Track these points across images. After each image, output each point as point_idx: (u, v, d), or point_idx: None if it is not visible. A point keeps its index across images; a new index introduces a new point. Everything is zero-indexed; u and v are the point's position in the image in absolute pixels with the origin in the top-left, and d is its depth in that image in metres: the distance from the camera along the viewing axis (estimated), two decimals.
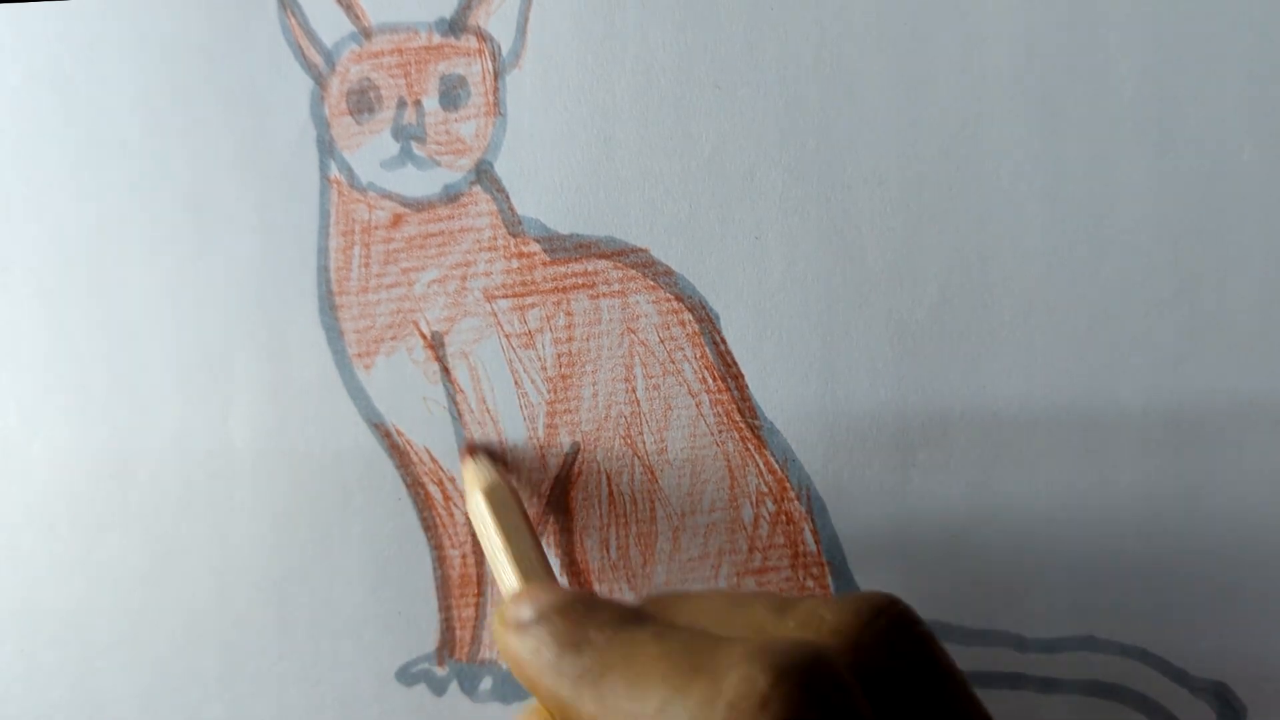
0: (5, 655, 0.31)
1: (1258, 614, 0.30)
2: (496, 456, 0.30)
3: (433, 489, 0.30)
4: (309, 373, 0.30)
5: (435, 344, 0.30)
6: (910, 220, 0.30)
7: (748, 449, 0.30)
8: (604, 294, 0.30)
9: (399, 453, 0.30)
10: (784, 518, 0.30)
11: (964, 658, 0.30)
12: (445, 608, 0.31)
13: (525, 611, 0.22)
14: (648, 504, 0.30)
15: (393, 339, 0.30)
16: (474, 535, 0.30)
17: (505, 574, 0.26)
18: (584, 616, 0.22)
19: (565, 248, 0.30)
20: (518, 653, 0.22)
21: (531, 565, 0.26)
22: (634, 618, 0.22)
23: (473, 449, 0.30)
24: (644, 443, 0.30)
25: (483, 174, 0.30)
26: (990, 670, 0.30)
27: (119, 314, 0.30)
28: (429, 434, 0.30)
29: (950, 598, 0.30)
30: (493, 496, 0.28)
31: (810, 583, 0.30)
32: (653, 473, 0.30)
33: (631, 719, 0.19)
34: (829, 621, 0.20)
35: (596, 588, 0.31)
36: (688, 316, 0.30)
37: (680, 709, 0.18)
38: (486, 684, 0.31)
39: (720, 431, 0.30)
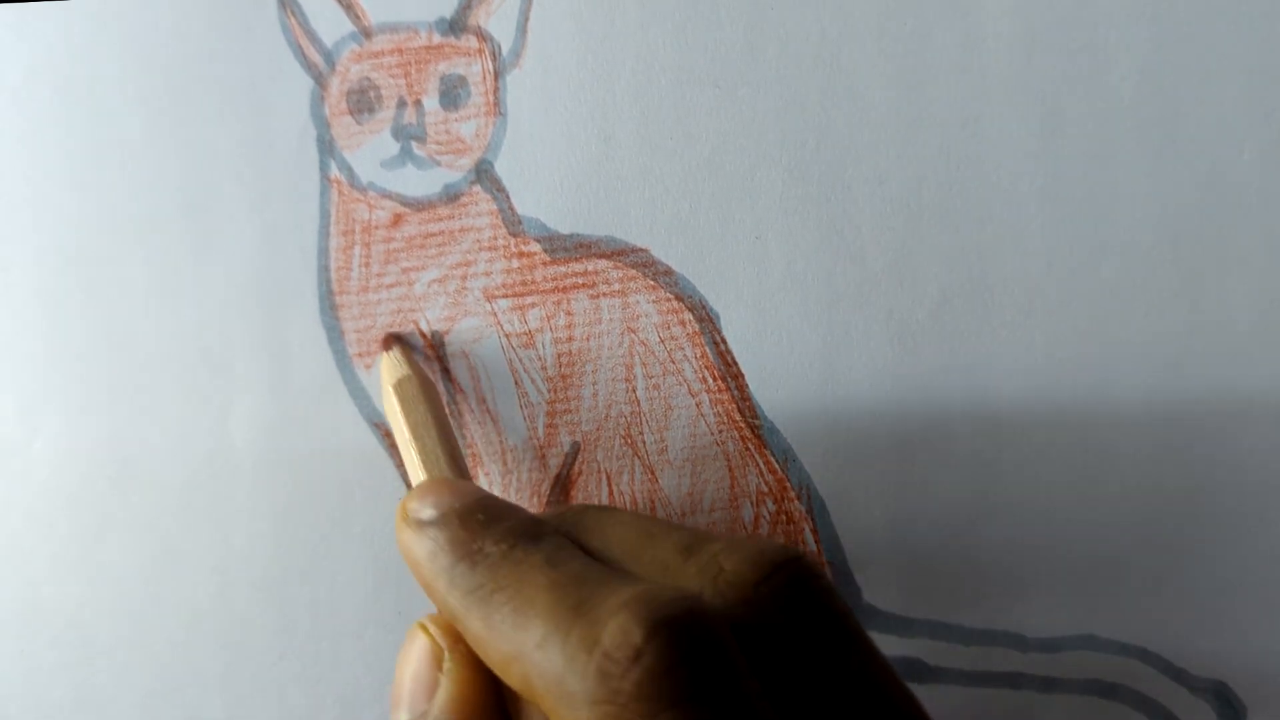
0: (5, 655, 0.31)
1: (1258, 614, 0.30)
2: (416, 348, 0.30)
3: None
4: (309, 372, 0.30)
5: (435, 344, 0.30)
6: (910, 220, 0.30)
7: (748, 449, 0.30)
8: (604, 294, 0.30)
9: (400, 453, 0.30)
10: (784, 517, 0.30)
11: (964, 658, 0.30)
12: None
13: (425, 509, 0.22)
14: (648, 504, 0.30)
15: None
16: None
17: (413, 469, 0.26)
18: (482, 526, 0.21)
19: (565, 247, 0.30)
20: (414, 552, 0.22)
21: (436, 460, 0.25)
22: (533, 533, 0.21)
23: (388, 342, 0.30)
24: (644, 442, 0.30)
25: (483, 174, 0.30)
26: (990, 670, 0.30)
27: (119, 314, 0.30)
28: None
29: (950, 598, 0.30)
30: (401, 390, 0.27)
31: None
32: (653, 472, 0.30)
33: (513, 645, 0.19)
34: (726, 571, 0.20)
35: None
36: (688, 316, 0.30)
37: (558, 648, 0.18)
38: None
39: (720, 431, 0.30)
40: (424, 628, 0.22)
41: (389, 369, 0.28)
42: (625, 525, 0.23)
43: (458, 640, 0.22)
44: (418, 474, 0.25)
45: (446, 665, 0.22)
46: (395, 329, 0.30)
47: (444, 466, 0.25)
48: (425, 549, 0.22)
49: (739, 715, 0.17)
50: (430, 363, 0.30)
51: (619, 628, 0.18)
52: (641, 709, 0.17)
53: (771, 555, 0.20)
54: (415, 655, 0.22)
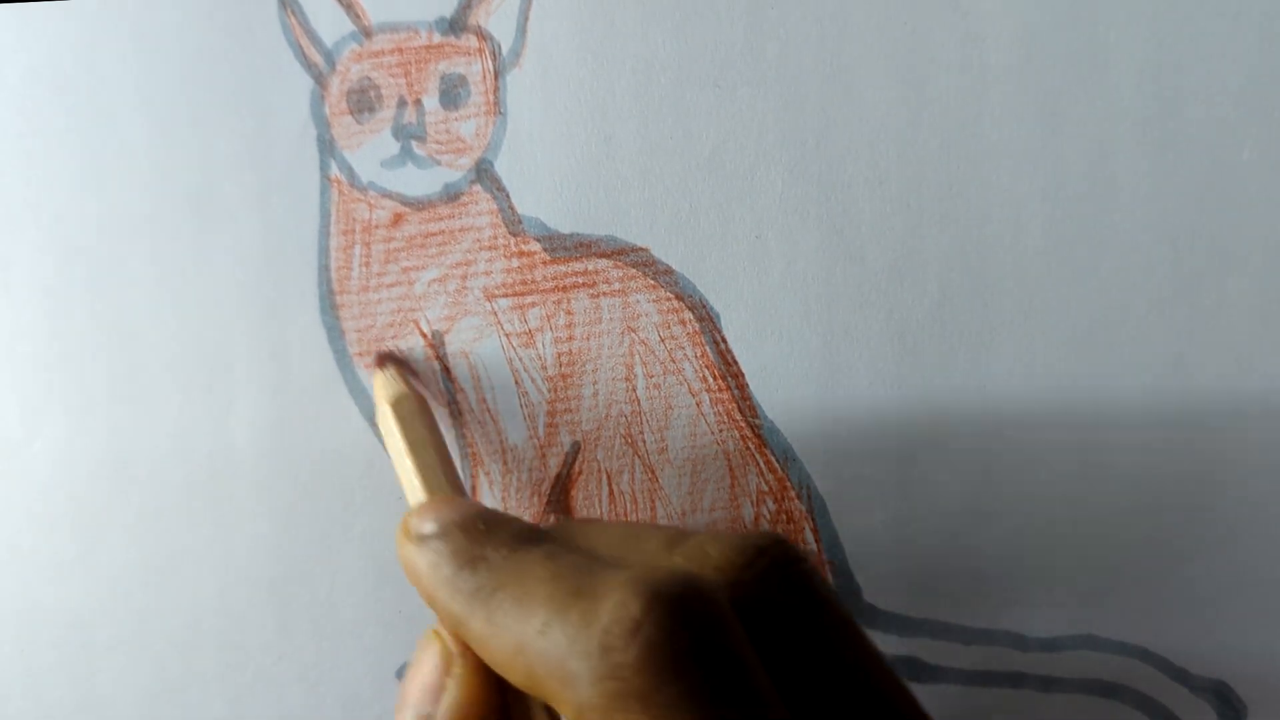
0: (5, 655, 0.31)
1: (1258, 613, 0.30)
2: (408, 368, 0.30)
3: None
4: (310, 372, 0.30)
5: (436, 343, 0.30)
6: (910, 220, 0.30)
7: (748, 448, 0.30)
8: (604, 293, 0.30)
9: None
10: (784, 517, 0.30)
11: (964, 657, 0.30)
12: None
13: (426, 524, 0.23)
14: (648, 503, 0.30)
15: (393, 338, 0.30)
16: None
17: (410, 487, 0.26)
18: (483, 534, 0.22)
19: (565, 247, 0.30)
20: (416, 565, 0.22)
21: (436, 478, 0.26)
22: (531, 537, 0.22)
23: (382, 360, 0.30)
24: (644, 442, 0.30)
25: (483, 173, 0.30)
26: (991, 669, 0.30)
27: (119, 314, 0.30)
28: None
29: (950, 597, 0.30)
30: (399, 408, 0.27)
31: None
32: (653, 472, 0.30)
33: (516, 637, 0.19)
34: (713, 558, 0.20)
35: None
36: (688, 315, 0.30)
37: (560, 630, 0.18)
38: None
39: (721, 431, 0.30)
40: (437, 634, 0.23)
41: (385, 387, 0.28)
42: (610, 530, 0.23)
43: (467, 648, 0.22)
44: (416, 491, 0.26)
45: (454, 670, 0.22)
46: (394, 330, 0.30)
47: (443, 484, 0.26)
48: (427, 561, 0.22)
49: (740, 683, 0.18)
50: (430, 365, 0.30)
51: (617, 603, 0.18)
52: (644, 681, 0.17)
53: (755, 540, 0.21)
54: (427, 660, 0.22)
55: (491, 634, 0.20)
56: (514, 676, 0.20)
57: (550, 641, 0.19)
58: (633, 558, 0.21)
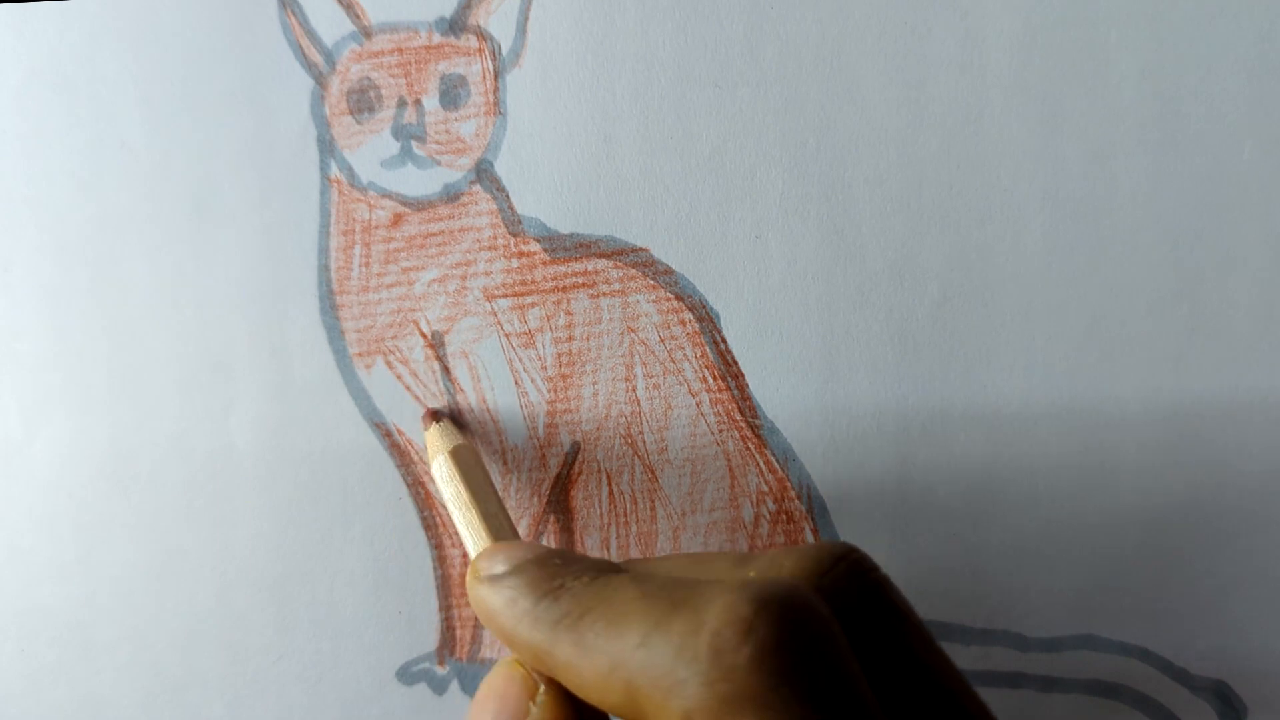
0: (6, 655, 0.31)
1: (1258, 613, 0.30)
2: (459, 422, 0.30)
3: (434, 489, 0.30)
4: (310, 372, 0.30)
5: (435, 343, 0.30)
6: (910, 220, 0.30)
7: (748, 448, 0.30)
8: (604, 293, 0.30)
9: (399, 452, 0.30)
10: (784, 517, 0.30)
11: (965, 657, 0.30)
12: (446, 607, 0.31)
13: (499, 565, 0.23)
14: (648, 503, 0.30)
15: (393, 338, 0.30)
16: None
17: (475, 532, 0.26)
18: (560, 568, 0.22)
19: (565, 247, 0.30)
20: (491, 605, 0.22)
21: (499, 524, 0.26)
22: (609, 567, 0.22)
23: (435, 415, 0.30)
24: (644, 442, 0.30)
25: (483, 173, 0.30)
26: (991, 669, 0.30)
27: (120, 314, 0.30)
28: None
29: (950, 598, 0.30)
30: (458, 457, 0.28)
31: None
32: (653, 472, 0.30)
33: (611, 658, 0.19)
34: (788, 568, 0.21)
35: None
36: (688, 316, 0.30)
37: (663, 641, 0.18)
38: None
39: (721, 431, 0.30)
40: (519, 663, 0.22)
41: (441, 437, 0.29)
42: (674, 560, 0.23)
43: (550, 680, 0.22)
44: (480, 537, 0.26)
45: (540, 698, 0.22)
46: (394, 330, 0.30)
47: (506, 530, 0.26)
48: (504, 598, 0.22)
49: (850, 689, 0.18)
50: (429, 364, 0.30)
51: (725, 606, 0.18)
52: (758, 681, 0.17)
53: (830, 549, 0.21)
54: (505, 682, 0.22)
55: (583, 657, 0.20)
56: (610, 697, 0.19)
57: (653, 653, 0.18)
58: (706, 579, 0.21)
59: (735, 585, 0.18)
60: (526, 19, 0.29)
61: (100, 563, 0.31)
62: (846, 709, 0.17)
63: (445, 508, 0.28)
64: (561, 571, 0.22)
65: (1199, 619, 0.30)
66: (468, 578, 0.23)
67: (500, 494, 0.28)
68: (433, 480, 0.29)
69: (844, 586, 0.20)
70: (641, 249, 0.30)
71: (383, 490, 0.30)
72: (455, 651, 0.31)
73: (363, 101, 0.30)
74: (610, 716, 0.21)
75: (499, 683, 0.22)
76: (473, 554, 0.26)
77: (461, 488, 0.27)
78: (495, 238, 0.30)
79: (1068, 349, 0.30)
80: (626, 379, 0.30)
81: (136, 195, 0.30)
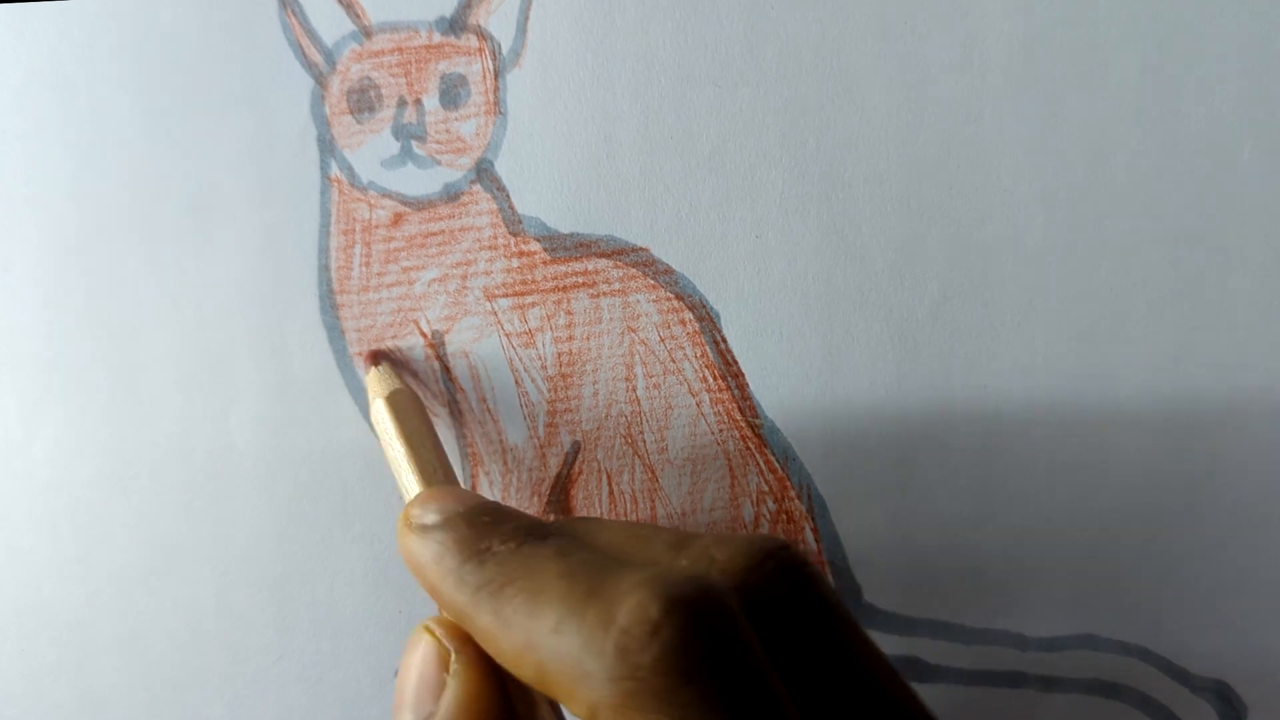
0: (6, 655, 0.31)
1: (1258, 613, 0.30)
2: (400, 365, 0.30)
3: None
4: (310, 372, 0.30)
5: (436, 343, 0.30)
6: (910, 219, 0.30)
7: (748, 448, 0.30)
8: (604, 293, 0.30)
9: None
10: (785, 517, 0.30)
11: (965, 657, 0.30)
12: None
13: (429, 515, 0.22)
14: (648, 503, 0.30)
15: (393, 338, 0.30)
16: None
17: (408, 480, 0.26)
18: (488, 526, 0.22)
19: (566, 247, 0.30)
20: (419, 556, 0.22)
21: (433, 471, 0.26)
22: (538, 532, 0.22)
23: (375, 358, 0.30)
24: (644, 442, 0.30)
25: (483, 173, 0.30)
26: (991, 669, 0.30)
27: (119, 314, 0.30)
28: None
29: (950, 597, 0.30)
30: (394, 402, 0.27)
31: None
32: (653, 472, 0.30)
33: (526, 634, 0.19)
34: (719, 561, 0.20)
35: None
36: (688, 315, 0.30)
37: (575, 630, 0.18)
38: None
39: (721, 431, 0.30)
40: (429, 629, 0.22)
41: (379, 382, 0.28)
42: (613, 529, 0.23)
43: (465, 641, 0.22)
44: (413, 484, 0.26)
45: (454, 666, 0.22)
46: (394, 330, 0.30)
47: (440, 477, 0.26)
48: (431, 552, 0.22)
49: (755, 687, 0.18)
50: (430, 364, 0.30)
51: (637, 604, 0.18)
52: (661, 682, 0.17)
53: (761, 544, 0.21)
54: (420, 657, 0.22)
55: (500, 629, 0.20)
56: (522, 673, 0.20)
57: (564, 640, 0.18)
58: (638, 558, 0.21)
59: (648, 579, 0.19)
60: (526, 18, 0.29)
61: (100, 562, 0.31)
62: (754, 708, 0.17)
63: (384, 454, 0.27)
64: (490, 532, 0.21)
65: (1199, 619, 0.30)
66: (398, 524, 0.23)
67: (440, 441, 0.27)
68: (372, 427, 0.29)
69: (773, 581, 0.20)
70: (642, 249, 0.30)
71: (383, 490, 0.30)
72: None
73: (363, 101, 0.30)
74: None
75: (413, 657, 0.22)
76: (406, 495, 0.25)
77: (395, 434, 0.26)
78: (495, 237, 0.30)
79: (1068, 349, 0.30)
80: (627, 379, 0.30)
81: (136, 195, 0.30)
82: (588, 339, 0.30)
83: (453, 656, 0.22)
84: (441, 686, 0.22)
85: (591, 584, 0.19)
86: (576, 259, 0.30)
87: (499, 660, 0.20)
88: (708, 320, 0.30)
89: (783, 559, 0.21)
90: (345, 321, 0.30)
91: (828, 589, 0.21)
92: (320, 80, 0.30)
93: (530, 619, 0.19)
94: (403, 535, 0.23)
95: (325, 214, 0.30)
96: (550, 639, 0.19)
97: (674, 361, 0.30)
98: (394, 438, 0.26)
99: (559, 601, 0.19)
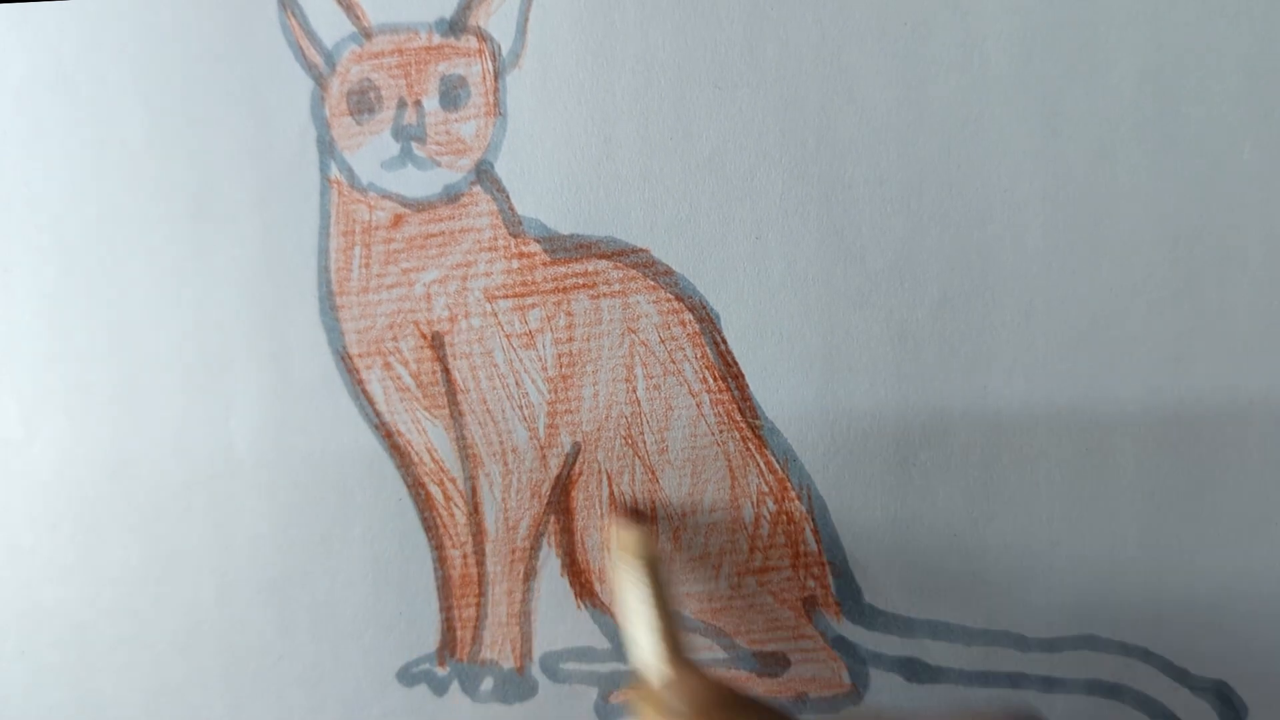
0: (6, 655, 0.31)
1: (1258, 613, 0.30)
2: (648, 521, 0.30)
3: (434, 489, 0.30)
4: (310, 373, 0.30)
5: (436, 344, 0.30)
6: (910, 220, 0.30)
7: (748, 449, 0.30)
8: (604, 294, 0.30)
9: (400, 453, 0.30)
10: (785, 517, 0.30)
11: (965, 657, 0.30)
12: (446, 608, 0.31)
13: (679, 703, 0.24)
14: (648, 504, 0.30)
15: (393, 339, 0.30)
16: (475, 535, 0.30)
17: (650, 646, 0.27)
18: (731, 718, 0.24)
19: (565, 248, 0.30)
20: None
21: (679, 647, 0.27)
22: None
23: (637, 516, 0.30)
24: (645, 443, 0.30)
25: (483, 174, 0.30)
26: (992, 669, 0.30)
27: (119, 314, 0.30)
28: (430, 434, 0.30)
29: (950, 598, 0.30)
30: (655, 569, 0.28)
31: (811, 582, 0.30)
32: (653, 472, 0.30)
33: None
34: None
35: (597, 588, 0.31)
36: (688, 316, 0.30)
37: None
38: (487, 684, 0.31)
39: (721, 431, 0.30)
40: None
41: (641, 544, 0.29)
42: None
43: None
44: (652, 650, 0.27)
45: None
46: (394, 331, 0.30)
47: (682, 649, 0.27)
48: None
49: None
50: (430, 364, 0.30)
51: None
52: None
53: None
54: None
55: None
56: None
57: None
58: None
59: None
60: (526, 20, 0.29)
61: (101, 563, 0.31)
62: None
63: (623, 604, 0.28)
64: None
65: (1199, 619, 0.30)
66: (640, 700, 0.25)
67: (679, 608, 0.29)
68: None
69: None
70: (642, 250, 0.30)
71: (383, 491, 0.30)
72: (455, 652, 0.31)
73: (363, 102, 0.30)
74: None
75: None
76: (644, 658, 0.27)
77: (651, 602, 0.27)
78: (495, 238, 0.30)
79: (1068, 349, 0.30)
80: (627, 379, 0.30)
81: (137, 196, 0.30)
82: (588, 340, 0.30)
83: None
84: None
85: None
86: (576, 260, 0.30)
87: None
88: (708, 321, 0.30)
89: None
90: (345, 323, 0.30)
91: None
92: (320, 82, 0.30)
93: None
94: (642, 705, 0.25)
95: (325, 215, 0.30)
96: None
97: (674, 362, 0.30)
98: (647, 603, 0.27)
99: None
